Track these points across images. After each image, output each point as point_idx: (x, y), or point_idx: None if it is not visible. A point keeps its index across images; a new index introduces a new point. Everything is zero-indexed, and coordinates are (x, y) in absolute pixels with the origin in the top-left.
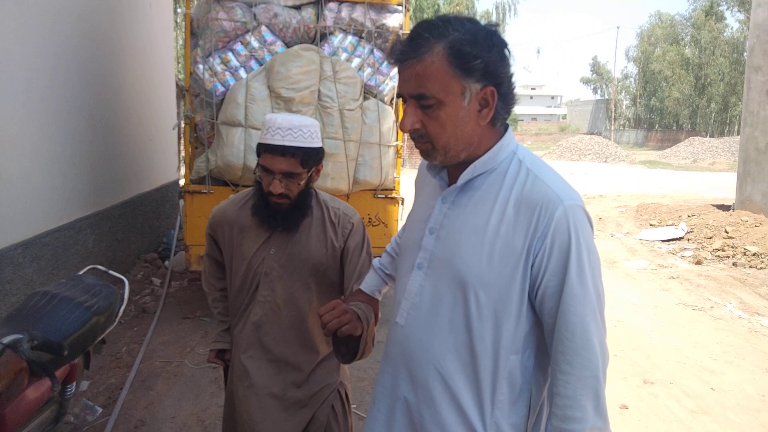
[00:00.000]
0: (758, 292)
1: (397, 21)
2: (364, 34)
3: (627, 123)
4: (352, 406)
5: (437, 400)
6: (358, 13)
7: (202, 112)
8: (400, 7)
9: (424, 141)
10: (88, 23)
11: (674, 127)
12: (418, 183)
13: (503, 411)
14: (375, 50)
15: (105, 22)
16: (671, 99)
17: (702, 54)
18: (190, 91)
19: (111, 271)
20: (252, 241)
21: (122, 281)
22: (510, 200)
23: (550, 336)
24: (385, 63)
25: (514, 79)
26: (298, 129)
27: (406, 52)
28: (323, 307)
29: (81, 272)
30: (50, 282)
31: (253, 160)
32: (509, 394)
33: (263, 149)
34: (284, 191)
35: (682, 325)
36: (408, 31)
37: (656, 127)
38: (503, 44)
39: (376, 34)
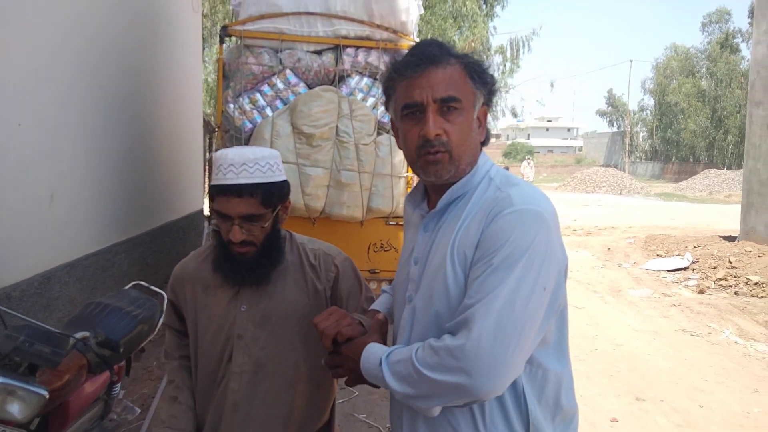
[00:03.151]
0: (756, 320)
1: None
2: (378, 76)
3: (644, 155)
4: (361, 415)
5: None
6: (373, 57)
7: (232, 146)
8: None
9: (442, 150)
10: (129, 64)
11: (691, 160)
12: (405, 222)
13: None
14: None
15: (143, 62)
16: (687, 131)
17: (718, 86)
18: (221, 127)
19: (152, 287)
20: (218, 298)
21: (161, 295)
22: (471, 214)
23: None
24: None
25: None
26: (254, 163)
27: (430, 58)
28: (318, 316)
29: (126, 287)
30: (90, 300)
31: None
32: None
33: (215, 191)
34: (246, 238)
35: (679, 350)
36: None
37: (673, 159)
38: None
39: None
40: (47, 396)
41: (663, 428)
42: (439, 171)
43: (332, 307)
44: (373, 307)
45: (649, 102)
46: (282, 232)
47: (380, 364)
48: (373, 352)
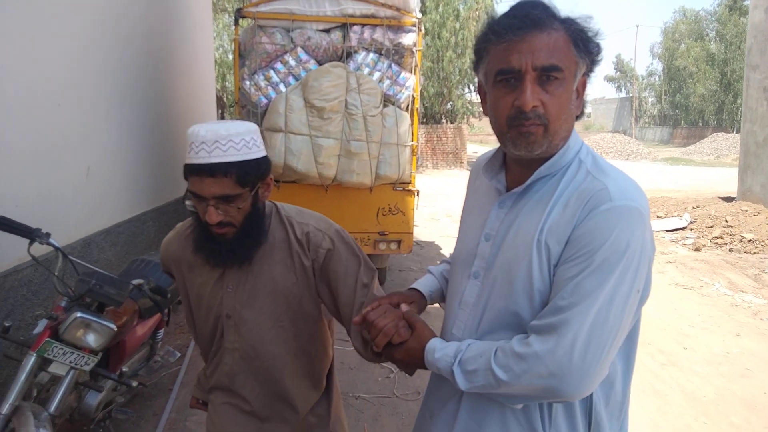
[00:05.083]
0: (746, 273)
1: (411, 39)
2: (383, 52)
3: (652, 120)
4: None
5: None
6: (378, 34)
7: (249, 121)
8: (414, 28)
9: (538, 123)
10: (149, 46)
11: (700, 124)
12: (471, 185)
13: None
14: (392, 65)
15: (161, 43)
16: (696, 95)
17: (728, 49)
18: (239, 103)
19: None
20: (204, 278)
21: None
22: (560, 201)
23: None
24: (401, 75)
25: None
26: (227, 140)
27: (534, 21)
28: (372, 311)
29: None
30: (124, 263)
31: (292, 160)
32: None
33: (188, 170)
34: (224, 219)
35: (671, 301)
36: (509, 9)
37: (682, 123)
38: None
39: (393, 51)
40: (115, 329)
41: (648, 367)
42: (531, 144)
43: (383, 304)
44: (414, 286)
45: (658, 67)
46: (268, 207)
47: (452, 373)
48: (439, 357)
